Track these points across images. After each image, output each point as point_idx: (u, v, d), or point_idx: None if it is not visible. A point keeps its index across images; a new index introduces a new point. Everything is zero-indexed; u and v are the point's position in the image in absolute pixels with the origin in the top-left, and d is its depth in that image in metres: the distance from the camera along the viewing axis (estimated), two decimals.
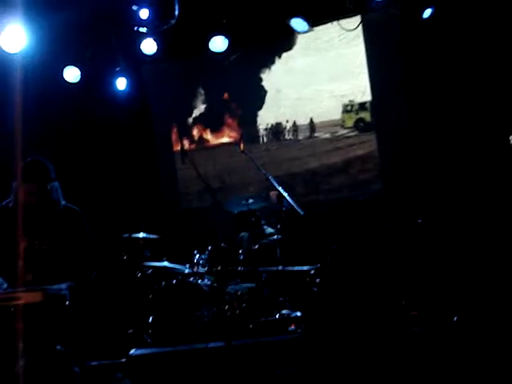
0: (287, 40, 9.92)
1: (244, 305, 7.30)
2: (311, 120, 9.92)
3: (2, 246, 5.33)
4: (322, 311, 6.04)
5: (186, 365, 6.05)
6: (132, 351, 6.36)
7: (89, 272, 5.36)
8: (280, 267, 7.29)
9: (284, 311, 7.20)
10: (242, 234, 8.60)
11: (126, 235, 8.19)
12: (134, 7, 7.97)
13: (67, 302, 4.84)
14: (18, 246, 5.26)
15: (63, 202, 5.62)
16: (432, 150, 8.98)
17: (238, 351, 6.03)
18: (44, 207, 5.44)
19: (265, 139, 10.23)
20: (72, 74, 9.31)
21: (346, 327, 5.67)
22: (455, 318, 5.71)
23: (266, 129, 10.22)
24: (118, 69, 9.76)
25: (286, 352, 5.98)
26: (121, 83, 9.85)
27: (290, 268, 7.25)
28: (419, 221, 6.85)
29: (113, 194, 10.25)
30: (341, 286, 5.96)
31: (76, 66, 9.25)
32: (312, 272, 6.74)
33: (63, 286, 4.98)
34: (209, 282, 7.57)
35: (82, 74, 9.30)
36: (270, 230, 8.53)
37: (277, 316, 7.13)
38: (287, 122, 10.08)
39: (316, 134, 9.91)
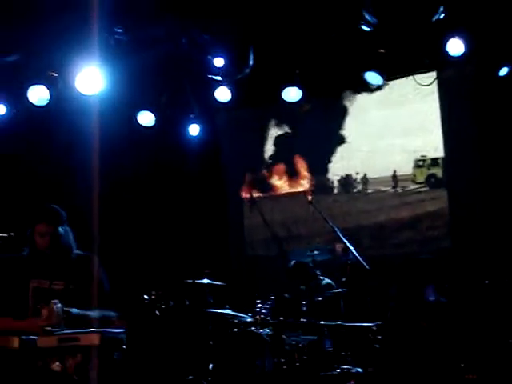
0: (361, 92, 9.91)
1: (304, 357, 7.23)
2: (381, 173, 9.86)
3: (17, 292, 5.48)
4: (383, 368, 5.95)
5: None
6: None
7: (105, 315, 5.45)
8: (339, 322, 7.21)
9: (345, 366, 7.10)
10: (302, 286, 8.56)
11: (190, 281, 8.21)
12: (210, 56, 8.09)
13: (124, 346, 4.87)
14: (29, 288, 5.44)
15: (76, 251, 5.76)
16: (505, 211, 8.81)
17: None
18: (56, 250, 5.55)
19: (334, 190, 10.21)
20: (146, 119, 9.48)
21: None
22: None
23: (335, 180, 10.20)
24: (191, 115, 9.91)
25: None
26: (194, 129, 9.98)
27: (349, 323, 7.16)
28: (486, 282, 6.71)
29: (180, 239, 10.32)
30: (400, 344, 5.87)
31: (150, 110, 9.42)
32: (374, 328, 6.65)
33: None
34: (270, 332, 7.51)
35: (156, 119, 9.46)
36: (327, 280, 8.48)
37: (337, 371, 7.04)
38: (357, 174, 10.04)
39: (385, 188, 9.84)
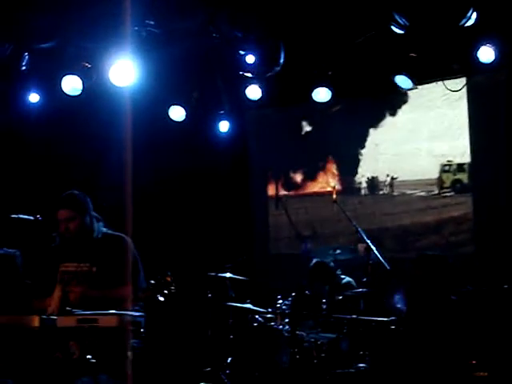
0: (390, 95, 9.95)
1: (323, 355, 7.29)
2: (408, 177, 9.89)
3: (49, 277, 5.68)
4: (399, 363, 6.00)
5: None
6: None
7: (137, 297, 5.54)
8: (355, 316, 7.26)
9: (361, 365, 7.16)
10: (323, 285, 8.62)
11: (213, 274, 8.29)
12: (241, 52, 8.15)
13: (142, 330, 4.96)
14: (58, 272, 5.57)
15: (103, 230, 5.87)
16: None
17: None
18: (79, 234, 5.70)
19: (360, 192, 10.25)
20: (177, 113, 9.58)
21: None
22: None
23: (361, 181, 10.25)
24: (222, 112, 10.01)
25: None
26: (224, 126, 10.09)
27: (366, 317, 7.21)
28: (505, 286, 6.71)
29: (205, 233, 10.43)
30: (415, 342, 5.91)
31: (181, 105, 9.52)
32: (392, 326, 6.68)
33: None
34: (290, 329, 7.58)
35: (186, 114, 9.56)
36: (347, 279, 8.54)
37: (354, 369, 7.10)
38: (384, 176, 10.08)
39: (411, 192, 9.87)
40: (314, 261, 8.53)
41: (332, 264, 8.51)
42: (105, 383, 4.72)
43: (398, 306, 6.83)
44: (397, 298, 6.84)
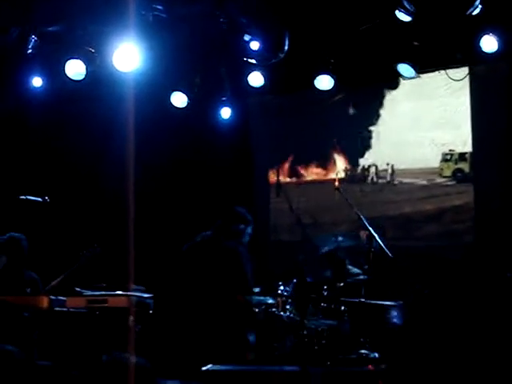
0: (392, 84, 9.95)
1: (323, 341, 7.31)
2: (409, 165, 9.91)
3: None
4: (402, 351, 6.03)
5: None
6: (207, 366, 6.41)
7: None
8: (361, 299, 7.29)
9: (362, 351, 7.19)
10: (328, 271, 8.62)
11: None
12: (246, 37, 8.14)
13: (151, 311, 4.98)
14: None
15: None
16: None
17: (314, 377, 6.06)
18: None
19: (362, 180, 10.27)
20: (179, 100, 9.57)
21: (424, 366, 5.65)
22: None
23: (363, 170, 10.27)
24: (224, 98, 10.00)
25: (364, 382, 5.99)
26: (226, 112, 10.08)
27: (371, 301, 7.24)
28: (508, 275, 6.75)
29: (207, 219, 10.42)
30: (421, 327, 5.94)
31: (183, 91, 9.51)
32: (394, 311, 6.72)
33: None
34: (290, 315, 7.60)
35: (188, 101, 9.55)
36: (355, 270, 8.53)
37: (355, 355, 7.13)
38: (386, 165, 10.09)
39: (412, 180, 9.89)
40: (327, 248, 8.51)
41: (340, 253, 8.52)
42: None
43: (395, 321, 6.85)
44: (393, 314, 6.87)
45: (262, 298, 7.81)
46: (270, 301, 7.85)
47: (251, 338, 7.40)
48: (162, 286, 8.72)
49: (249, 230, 7.92)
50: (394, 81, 9.81)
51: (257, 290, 7.89)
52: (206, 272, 7.42)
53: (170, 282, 8.32)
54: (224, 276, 7.35)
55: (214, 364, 6.50)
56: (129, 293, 4.85)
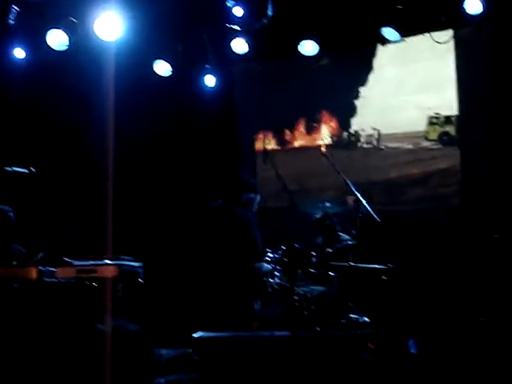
0: (377, 48, 9.92)
1: (313, 307, 7.34)
2: (395, 130, 9.90)
3: None
4: (391, 314, 6.06)
5: (250, 351, 6.12)
6: (197, 334, 6.43)
7: None
8: (351, 263, 7.31)
9: (352, 315, 7.23)
10: (320, 238, 8.65)
11: None
12: (230, 3, 8.07)
13: (140, 280, 4.98)
14: None
15: None
16: None
17: (304, 341, 6.09)
18: None
19: (348, 146, 10.25)
20: (163, 68, 9.51)
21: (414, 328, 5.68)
22: None
23: (349, 135, 10.25)
24: (207, 66, 9.93)
25: (354, 344, 6.04)
26: (210, 80, 10.01)
27: (360, 265, 7.26)
28: (495, 236, 6.78)
29: (192, 189, 10.41)
30: (411, 290, 5.96)
31: (166, 60, 9.44)
32: (383, 276, 6.74)
33: None
34: (279, 281, 7.62)
35: (172, 69, 9.48)
36: (345, 236, 8.55)
37: (344, 320, 7.16)
38: (372, 130, 10.08)
39: (398, 145, 9.89)
40: (321, 213, 8.52)
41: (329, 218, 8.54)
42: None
43: (412, 351, 6.85)
44: (410, 345, 6.85)
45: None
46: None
47: (257, 306, 7.41)
48: (157, 254, 8.79)
49: (257, 198, 7.91)
50: (378, 45, 9.76)
51: None
52: (217, 239, 7.49)
53: (181, 248, 8.37)
54: (235, 244, 7.38)
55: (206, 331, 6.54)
56: (118, 262, 4.83)
